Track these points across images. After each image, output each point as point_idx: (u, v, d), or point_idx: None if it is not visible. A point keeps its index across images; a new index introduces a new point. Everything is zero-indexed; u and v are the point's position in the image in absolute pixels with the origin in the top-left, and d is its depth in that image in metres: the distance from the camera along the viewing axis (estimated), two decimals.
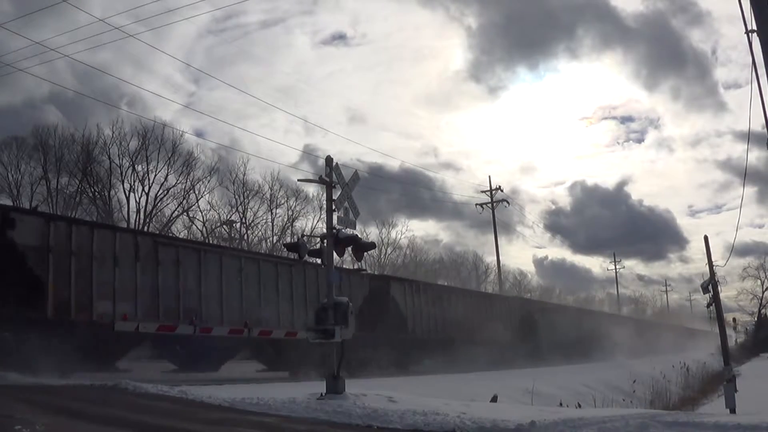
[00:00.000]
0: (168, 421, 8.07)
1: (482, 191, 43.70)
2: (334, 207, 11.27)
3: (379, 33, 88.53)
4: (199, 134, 71.02)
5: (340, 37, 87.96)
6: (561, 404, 14.30)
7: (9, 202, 29.91)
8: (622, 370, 24.42)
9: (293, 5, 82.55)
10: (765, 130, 10.33)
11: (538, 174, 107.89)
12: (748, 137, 15.91)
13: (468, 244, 65.11)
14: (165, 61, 66.04)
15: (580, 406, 14.21)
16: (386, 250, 47.86)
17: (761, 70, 8.89)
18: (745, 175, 47.91)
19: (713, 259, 21.62)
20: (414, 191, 52.56)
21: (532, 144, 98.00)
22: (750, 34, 9.02)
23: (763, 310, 63.13)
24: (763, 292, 63.28)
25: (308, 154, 53.32)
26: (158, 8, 62.29)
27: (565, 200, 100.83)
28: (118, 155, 33.94)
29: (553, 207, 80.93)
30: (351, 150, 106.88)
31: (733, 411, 16.33)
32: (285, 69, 70.70)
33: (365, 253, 16.33)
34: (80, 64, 37.75)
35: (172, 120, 66.42)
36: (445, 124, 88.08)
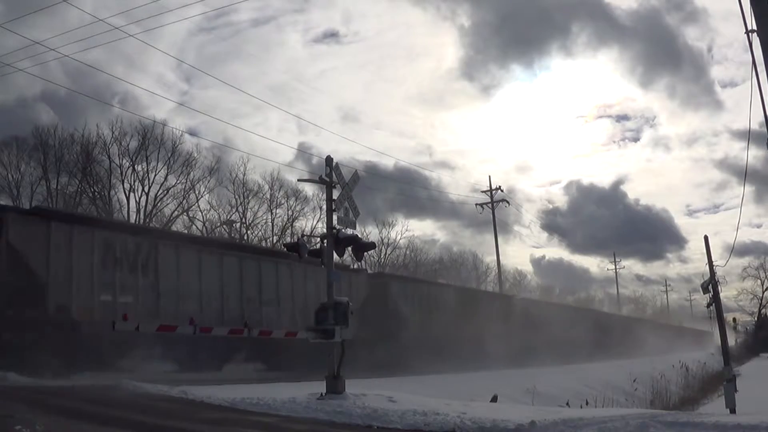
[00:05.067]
0: (168, 421, 8.08)
1: (482, 191, 43.65)
2: (334, 207, 11.27)
3: (372, 31, 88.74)
4: (192, 133, 70.78)
5: (332, 35, 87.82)
6: (568, 404, 14.29)
7: (9, 203, 29.89)
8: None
9: (284, 3, 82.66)
10: (764, 129, 10.34)
11: (534, 173, 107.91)
12: (749, 138, 15.94)
13: (465, 244, 64.86)
14: (157, 60, 65.98)
15: (587, 403, 14.21)
16: (386, 251, 47.82)
17: (761, 68, 8.90)
18: (746, 175, 47.93)
19: (713, 259, 21.66)
20: (410, 190, 52.42)
21: (527, 143, 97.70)
22: (750, 33, 9.02)
23: (763, 310, 63.19)
24: (763, 292, 63.36)
25: (303, 152, 53.31)
26: (149, 7, 62.14)
27: (561, 199, 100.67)
28: (118, 155, 33.95)
29: (550, 206, 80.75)
30: (345, 148, 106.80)
31: (733, 411, 16.34)
32: (277, 67, 70.60)
33: (365, 253, 16.37)
34: (71, 62, 37.49)
35: (165, 119, 66.25)
36: (439, 123, 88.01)
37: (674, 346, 44.59)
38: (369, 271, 27.29)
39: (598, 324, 38.71)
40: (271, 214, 39.69)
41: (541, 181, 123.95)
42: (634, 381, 20.32)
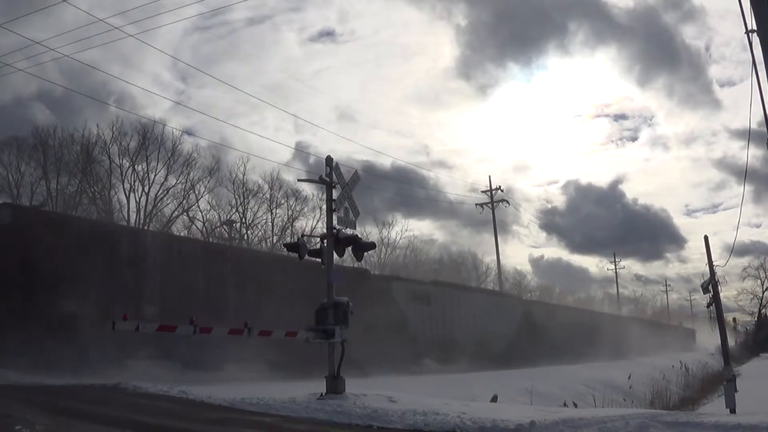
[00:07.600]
0: (168, 421, 8.08)
1: (481, 191, 43.69)
2: (334, 207, 11.27)
3: (368, 30, 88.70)
4: (189, 132, 70.61)
5: (328, 34, 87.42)
6: (565, 404, 14.29)
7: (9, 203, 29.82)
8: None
9: (280, 2, 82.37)
10: (763, 128, 10.35)
11: (532, 173, 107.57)
12: (749, 137, 16.01)
13: (463, 244, 64.71)
14: (153, 60, 65.98)
15: (576, 404, 14.20)
16: (386, 251, 47.82)
17: (761, 68, 8.91)
18: (746, 175, 47.96)
19: (712, 259, 21.62)
20: (408, 190, 52.41)
21: (525, 142, 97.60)
22: (750, 33, 9.03)
23: (763, 310, 63.26)
24: (763, 292, 63.45)
25: (300, 151, 53.33)
26: (146, 7, 62.02)
27: (559, 199, 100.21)
28: (118, 155, 33.97)
29: (548, 206, 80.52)
30: (342, 148, 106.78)
31: (733, 411, 16.31)
32: (274, 66, 70.43)
33: (365, 253, 16.28)
34: (68, 62, 37.27)
35: (164, 118, 66.10)
36: (436, 122, 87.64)
37: (654, 346, 43.28)
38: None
39: (587, 324, 38.37)
40: (271, 214, 39.76)
41: (539, 181, 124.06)
42: (629, 377, 20.26)
